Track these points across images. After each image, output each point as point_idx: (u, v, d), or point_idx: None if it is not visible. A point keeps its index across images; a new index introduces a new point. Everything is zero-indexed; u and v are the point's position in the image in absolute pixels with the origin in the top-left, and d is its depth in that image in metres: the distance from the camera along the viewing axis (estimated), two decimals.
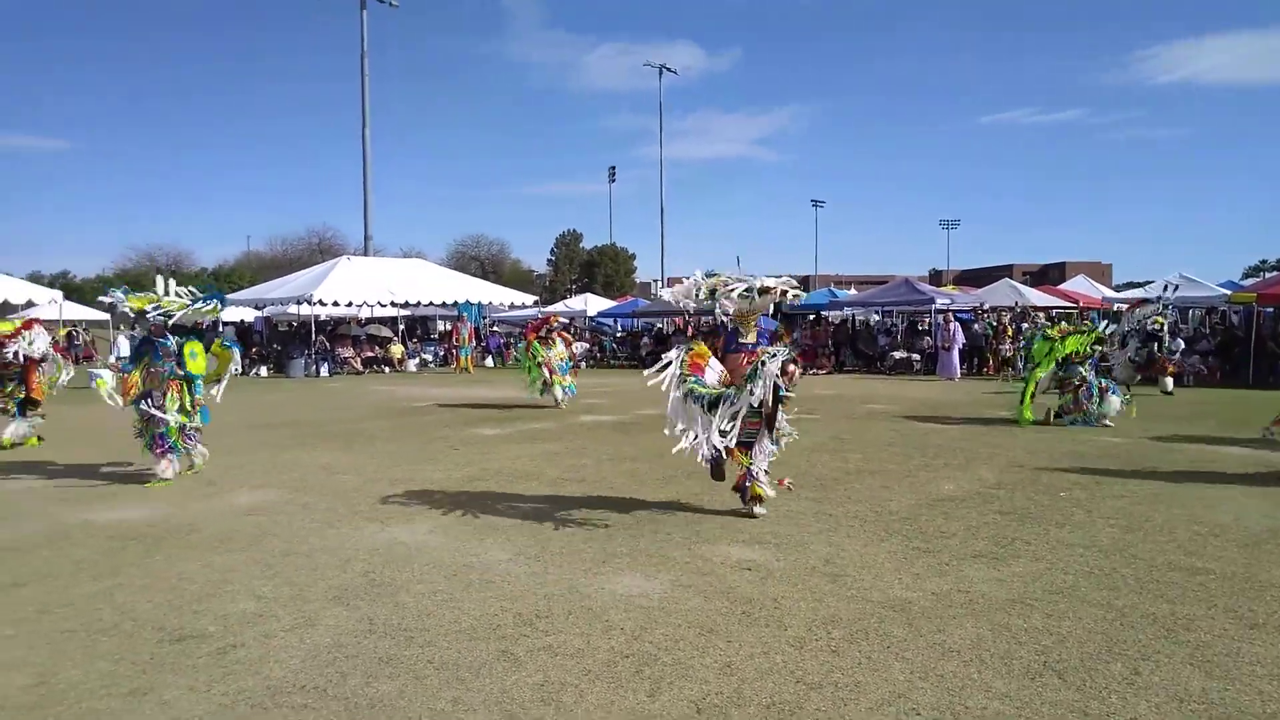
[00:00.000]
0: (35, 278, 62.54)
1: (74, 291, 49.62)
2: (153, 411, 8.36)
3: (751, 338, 6.95)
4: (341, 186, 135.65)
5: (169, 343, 8.45)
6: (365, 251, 39.47)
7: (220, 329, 8.77)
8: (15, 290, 23.38)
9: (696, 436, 6.52)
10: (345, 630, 4.43)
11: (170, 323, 8.42)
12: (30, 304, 25.36)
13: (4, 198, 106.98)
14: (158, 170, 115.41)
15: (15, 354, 10.48)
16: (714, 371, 6.79)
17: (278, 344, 29.40)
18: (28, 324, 11.08)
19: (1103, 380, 12.63)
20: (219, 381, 9.10)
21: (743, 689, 3.69)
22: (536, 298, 39.27)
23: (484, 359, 30.82)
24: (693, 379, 6.61)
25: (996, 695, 3.60)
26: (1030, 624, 4.43)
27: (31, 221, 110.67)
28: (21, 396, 10.75)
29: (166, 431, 8.41)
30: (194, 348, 8.57)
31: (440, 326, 35.83)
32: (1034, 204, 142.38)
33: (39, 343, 10.66)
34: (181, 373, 8.49)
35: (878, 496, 7.61)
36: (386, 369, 28.21)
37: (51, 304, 25.11)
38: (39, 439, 10.93)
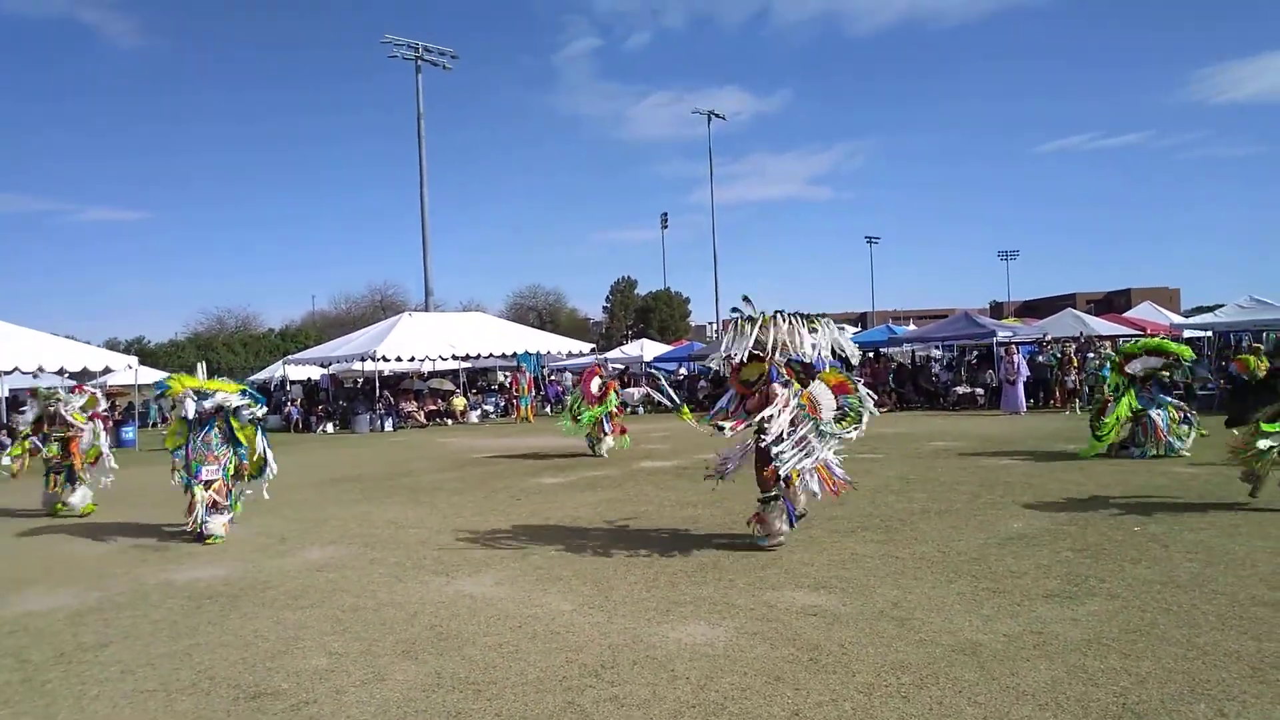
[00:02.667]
0: (112, 344, 64.76)
1: (149, 356, 51.23)
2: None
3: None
4: (401, 243, 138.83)
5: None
6: (426, 307, 40.30)
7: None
8: (93, 357, 24.22)
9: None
10: (414, 684, 4.48)
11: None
12: (107, 370, 26.26)
13: (86, 269, 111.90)
14: (226, 236, 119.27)
15: (56, 416, 10.97)
16: (828, 409, 7.26)
17: (343, 400, 30.01)
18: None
19: (1176, 408, 12.30)
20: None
21: None
22: (593, 345, 39.56)
23: (544, 408, 31.07)
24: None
25: None
26: (1107, 665, 4.31)
27: (110, 290, 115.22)
28: (68, 464, 10.97)
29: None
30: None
31: (500, 377, 36.25)
32: (1097, 231, 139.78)
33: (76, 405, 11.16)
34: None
35: (945, 536, 7.49)
36: (449, 421, 28.57)
37: (128, 369, 25.94)
38: (94, 505, 11.09)
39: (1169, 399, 12.45)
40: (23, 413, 11.86)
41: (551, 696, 4.23)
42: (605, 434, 15.62)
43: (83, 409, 11.12)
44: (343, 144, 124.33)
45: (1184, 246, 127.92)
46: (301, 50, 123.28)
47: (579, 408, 15.46)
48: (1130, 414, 12.27)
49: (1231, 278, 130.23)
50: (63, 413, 10.98)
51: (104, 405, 11.53)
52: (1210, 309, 33.56)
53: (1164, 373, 12.46)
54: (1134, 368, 12.35)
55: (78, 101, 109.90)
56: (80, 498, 11.04)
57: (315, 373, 35.08)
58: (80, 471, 11.06)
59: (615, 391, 16.00)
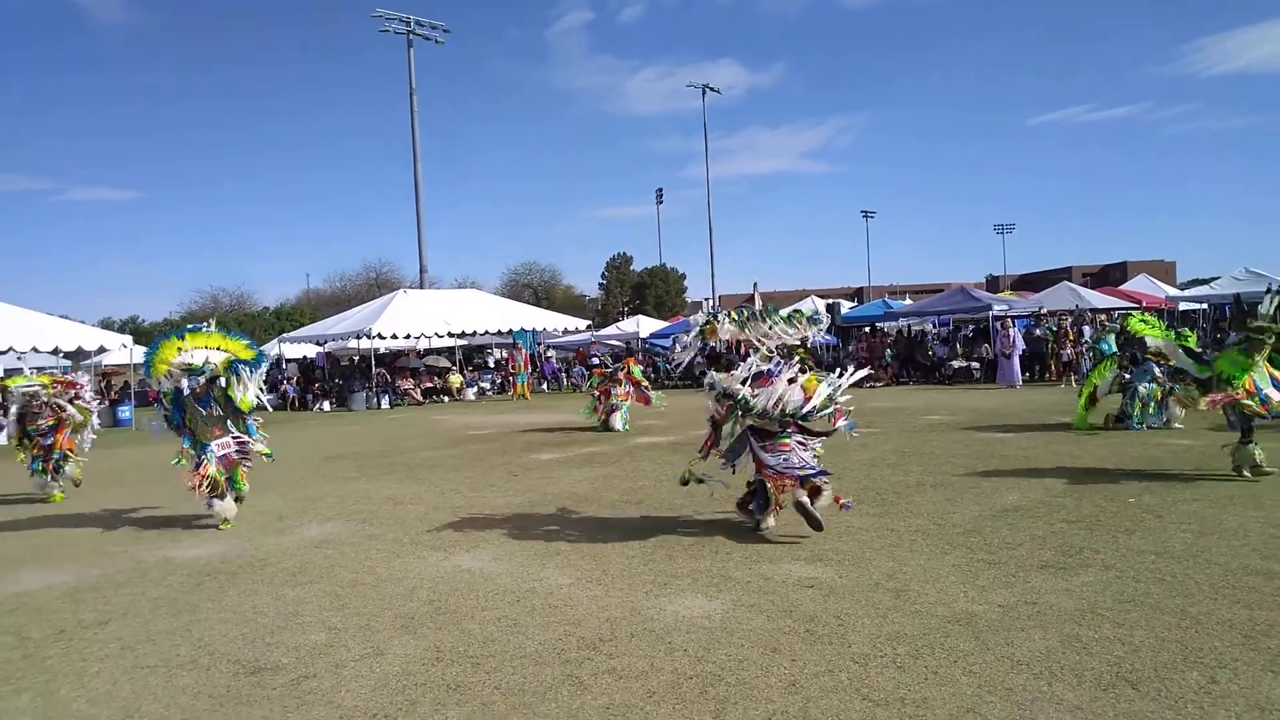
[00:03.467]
0: (107, 324, 64.68)
1: (143, 336, 51.08)
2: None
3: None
4: (396, 220, 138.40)
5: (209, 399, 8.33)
6: (421, 284, 40.21)
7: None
8: (88, 337, 24.18)
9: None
10: (413, 658, 4.51)
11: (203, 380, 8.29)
12: (102, 349, 26.23)
13: (78, 248, 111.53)
14: (219, 215, 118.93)
15: (47, 403, 10.46)
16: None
17: (339, 378, 29.98)
18: (70, 384, 11.00)
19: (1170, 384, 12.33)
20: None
21: (808, 708, 3.68)
22: (589, 322, 39.52)
23: (540, 384, 31.07)
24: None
25: (1068, 708, 3.54)
26: (1101, 634, 4.35)
27: (103, 269, 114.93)
28: (59, 453, 10.51)
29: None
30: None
31: (496, 354, 36.25)
32: (1092, 204, 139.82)
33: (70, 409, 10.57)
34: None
35: (940, 509, 7.52)
36: (445, 399, 28.57)
37: (122, 348, 25.89)
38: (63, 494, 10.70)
39: (1158, 369, 12.47)
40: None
41: (550, 669, 4.26)
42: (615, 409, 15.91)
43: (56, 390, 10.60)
44: (335, 121, 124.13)
45: (1180, 219, 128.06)
46: (292, 25, 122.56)
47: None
48: (1118, 383, 12.30)
49: (1227, 250, 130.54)
50: (51, 399, 10.47)
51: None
52: (1206, 281, 33.63)
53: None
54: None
55: (65, 79, 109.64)
56: (70, 470, 10.72)
57: (311, 351, 35.04)
58: (70, 453, 10.68)
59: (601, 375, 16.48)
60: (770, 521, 6.99)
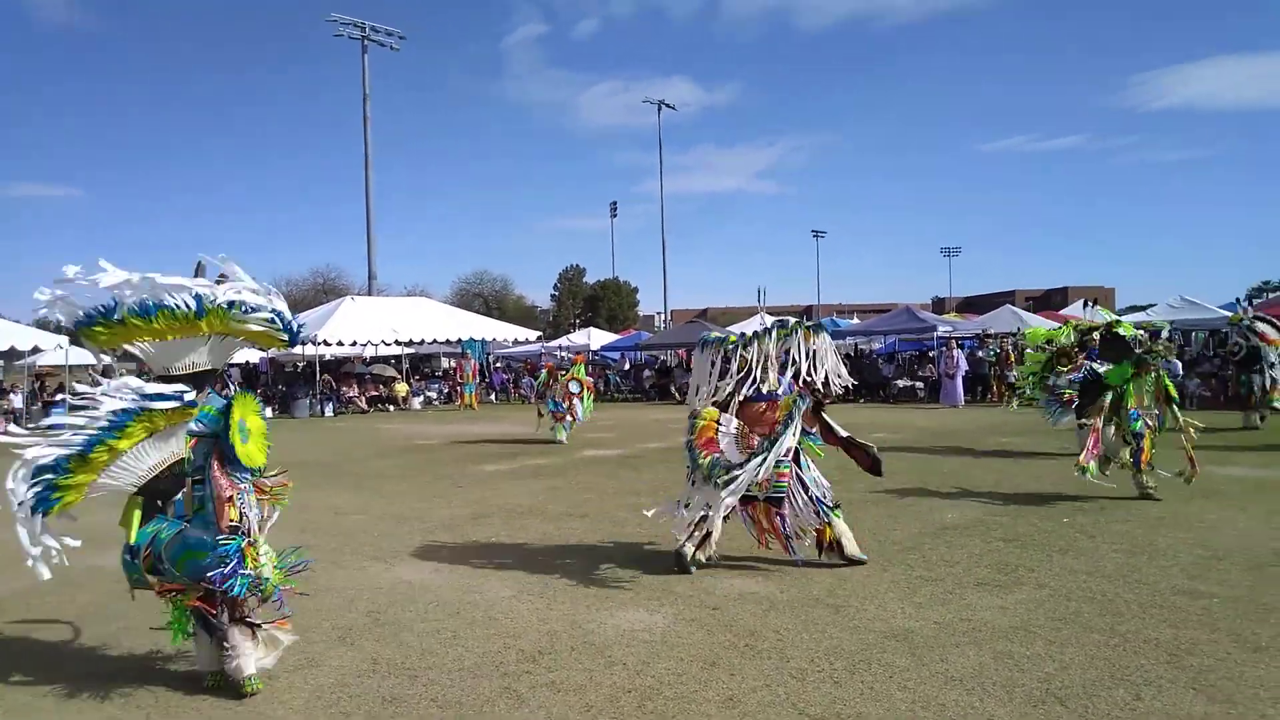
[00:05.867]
0: (43, 324, 62.81)
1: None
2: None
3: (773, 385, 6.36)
4: (345, 227, 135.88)
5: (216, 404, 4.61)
6: (369, 291, 39.75)
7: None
8: (21, 336, 23.47)
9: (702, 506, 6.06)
10: (349, 670, 4.44)
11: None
12: (36, 350, 25.46)
13: (12, 246, 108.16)
14: (162, 216, 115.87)
15: None
16: (727, 435, 6.27)
17: (282, 384, 29.49)
18: None
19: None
20: None
21: None
22: (540, 333, 39.38)
23: (488, 395, 30.87)
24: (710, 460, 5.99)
25: None
26: (1033, 651, 4.43)
27: (40, 268, 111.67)
28: None
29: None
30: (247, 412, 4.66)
31: (445, 364, 35.90)
32: (1036, 230, 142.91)
33: None
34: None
35: (881, 526, 7.61)
36: (391, 408, 28.25)
37: (58, 349, 25.15)
38: None
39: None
40: None
41: (488, 682, 4.23)
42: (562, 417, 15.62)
43: None
44: (285, 124, 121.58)
45: (1119, 247, 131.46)
46: (241, 26, 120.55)
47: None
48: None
49: (1163, 278, 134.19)
50: None
51: None
52: (1143, 308, 34.50)
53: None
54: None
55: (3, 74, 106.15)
56: None
57: (254, 356, 34.39)
58: None
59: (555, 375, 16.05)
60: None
